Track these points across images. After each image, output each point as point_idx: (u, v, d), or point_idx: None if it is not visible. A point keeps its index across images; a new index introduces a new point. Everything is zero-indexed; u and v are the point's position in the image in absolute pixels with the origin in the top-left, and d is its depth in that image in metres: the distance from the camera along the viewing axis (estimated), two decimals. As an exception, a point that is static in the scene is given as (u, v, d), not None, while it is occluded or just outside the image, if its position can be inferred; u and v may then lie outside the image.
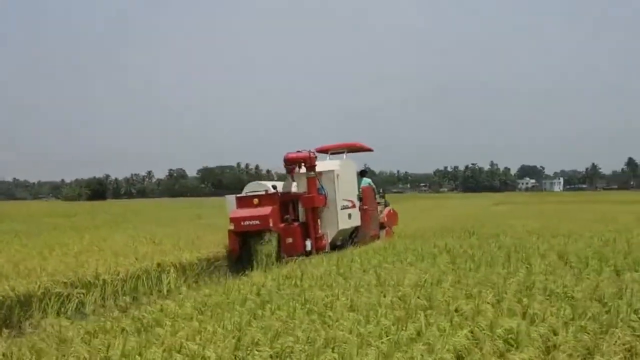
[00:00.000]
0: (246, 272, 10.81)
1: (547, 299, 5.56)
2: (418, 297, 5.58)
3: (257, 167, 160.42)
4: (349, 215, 13.00)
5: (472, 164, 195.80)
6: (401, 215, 17.10)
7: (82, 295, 8.80)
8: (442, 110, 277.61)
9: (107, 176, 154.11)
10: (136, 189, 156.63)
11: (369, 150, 14.90)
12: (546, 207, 34.38)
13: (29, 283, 8.25)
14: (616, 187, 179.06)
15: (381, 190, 16.44)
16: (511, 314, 4.92)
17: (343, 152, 14.18)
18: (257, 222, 11.37)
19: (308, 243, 11.68)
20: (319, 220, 12.19)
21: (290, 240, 11.57)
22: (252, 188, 12.64)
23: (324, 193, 12.40)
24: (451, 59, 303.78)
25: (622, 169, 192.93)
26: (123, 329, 5.30)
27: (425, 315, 4.91)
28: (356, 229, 13.59)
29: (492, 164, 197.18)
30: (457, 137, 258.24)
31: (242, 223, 11.51)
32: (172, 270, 10.56)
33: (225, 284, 7.50)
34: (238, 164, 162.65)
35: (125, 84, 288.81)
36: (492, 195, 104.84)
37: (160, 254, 11.18)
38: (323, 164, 12.81)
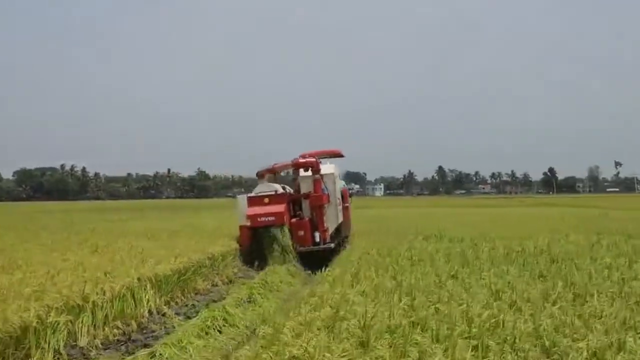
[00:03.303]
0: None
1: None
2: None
3: (84, 169, 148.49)
4: (340, 211, 14.90)
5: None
6: None
7: (70, 323, 6.90)
8: (275, 118, 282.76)
9: None
10: None
11: (342, 156, 16.30)
12: (413, 211, 36.38)
13: (19, 311, 6.21)
14: (428, 192, 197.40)
15: (351, 192, 18.75)
16: None
17: (326, 157, 15.41)
18: (273, 218, 12.64)
19: (317, 235, 13.13)
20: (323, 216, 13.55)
21: (301, 233, 13.03)
22: (262, 189, 13.65)
23: (326, 192, 13.89)
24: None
25: (433, 176, 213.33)
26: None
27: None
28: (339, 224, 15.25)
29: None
30: (287, 143, 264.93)
31: (258, 219, 12.71)
32: (148, 287, 8.85)
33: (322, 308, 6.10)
34: (62, 166, 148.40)
35: None
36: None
37: (125, 268, 9.28)
38: (322, 167, 14.14)
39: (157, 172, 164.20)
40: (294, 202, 13.79)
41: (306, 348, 4.40)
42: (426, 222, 20.68)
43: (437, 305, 5.71)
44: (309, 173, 13.70)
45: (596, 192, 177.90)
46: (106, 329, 7.42)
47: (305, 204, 13.69)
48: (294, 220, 13.25)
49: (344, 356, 4.31)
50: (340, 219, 15.00)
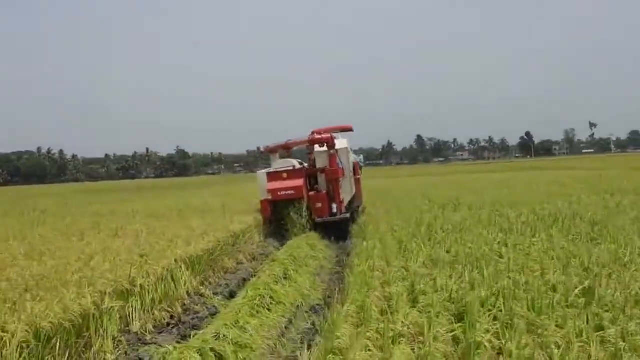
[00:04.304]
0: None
1: None
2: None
3: (61, 152, 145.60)
4: (353, 183, 15.55)
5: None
6: None
7: (121, 308, 6.69)
8: (252, 94, 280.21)
9: None
10: None
11: (352, 130, 16.92)
12: (405, 180, 36.36)
13: (77, 298, 5.99)
14: (407, 162, 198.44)
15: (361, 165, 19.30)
16: None
17: (337, 133, 15.85)
18: (292, 192, 13.39)
19: (334, 206, 13.73)
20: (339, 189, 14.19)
21: (319, 205, 13.70)
22: (280, 164, 14.38)
23: (341, 166, 14.42)
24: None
25: (411, 146, 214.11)
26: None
27: None
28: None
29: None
30: (266, 118, 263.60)
31: (278, 193, 13.44)
32: (183, 268, 8.65)
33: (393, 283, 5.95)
34: (39, 149, 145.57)
35: None
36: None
37: (157, 250, 9.05)
38: (336, 143, 14.66)
39: (135, 152, 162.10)
40: (310, 176, 14.37)
41: (408, 325, 4.28)
42: (429, 191, 20.64)
43: (510, 275, 5.61)
44: (324, 148, 14.23)
45: (572, 154, 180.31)
46: (155, 312, 7.26)
47: (322, 178, 14.28)
48: (312, 193, 13.96)
49: (450, 331, 4.19)
50: (354, 191, 15.58)
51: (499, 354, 3.76)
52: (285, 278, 9.26)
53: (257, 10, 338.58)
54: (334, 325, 4.36)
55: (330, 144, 14.16)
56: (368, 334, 4.18)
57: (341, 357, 3.86)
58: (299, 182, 13.51)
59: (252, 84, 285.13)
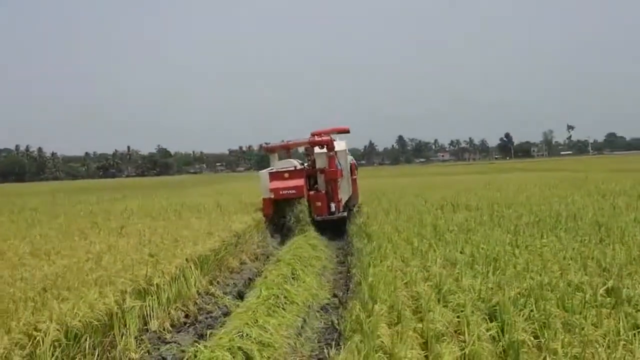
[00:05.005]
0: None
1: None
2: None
3: (40, 149, 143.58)
4: (350, 184, 16.32)
5: (266, 143, 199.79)
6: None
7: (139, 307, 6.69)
8: (232, 94, 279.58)
9: None
10: None
11: (348, 132, 17.54)
12: (391, 181, 36.54)
13: (101, 297, 5.97)
14: (389, 162, 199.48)
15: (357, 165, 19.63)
16: None
17: (335, 134, 16.33)
18: (294, 191, 13.99)
19: (332, 205, 14.42)
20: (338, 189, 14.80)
21: (319, 204, 14.35)
22: (282, 165, 15.01)
23: (340, 167, 14.97)
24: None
25: (393, 146, 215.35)
26: None
27: None
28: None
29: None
30: (248, 119, 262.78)
31: (280, 192, 14.01)
32: (192, 267, 8.65)
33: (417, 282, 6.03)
34: (17, 147, 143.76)
35: None
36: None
37: (165, 250, 9.02)
38: (335, 144, 15.26)
39: (116, 151, 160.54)
40: (310, 176, 14.97)
41: (446, 325, 4.37)
42: (421, 192, 20.81)
43: (531, 275, 5.73)
44: (324, 150, 14.76)
45: (551, 155, 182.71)
46: (171, 311, 7.27)
47: (321, 178, 14.88)
48: (311, 192, 14.58)
49: (487, 330, 4.29)
50: (351, 191, 16.30)
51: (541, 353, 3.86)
52: (293, 278, 9.34)
53: (257, 10, 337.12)
54: (373, 325, 4.42)
55: (330, 146, 14.69)
56: (410, 332, 4.26)
57: (387, 356, 3.94)
58: (300, 181, 14.15)
59: (252, 84, 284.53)
